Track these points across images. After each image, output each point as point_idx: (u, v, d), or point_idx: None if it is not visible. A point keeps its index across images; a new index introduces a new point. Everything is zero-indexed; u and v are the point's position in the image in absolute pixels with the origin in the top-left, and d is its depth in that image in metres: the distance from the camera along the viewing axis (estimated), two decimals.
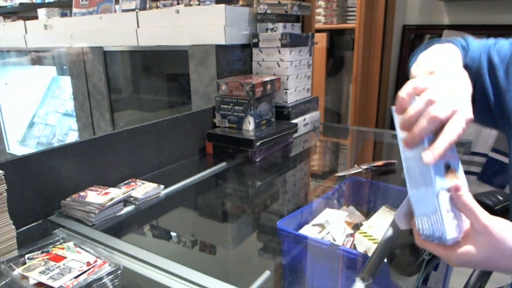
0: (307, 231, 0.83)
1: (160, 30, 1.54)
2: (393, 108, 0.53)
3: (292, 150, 1.43)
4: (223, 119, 1.34)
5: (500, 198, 0.77)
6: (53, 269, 0.65)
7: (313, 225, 0.84)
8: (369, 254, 0.65)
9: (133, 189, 0.96)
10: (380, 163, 1.17)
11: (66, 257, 0.69)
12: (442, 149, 0.47)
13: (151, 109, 1.89)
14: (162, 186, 1.00)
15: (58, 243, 0.75)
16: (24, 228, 0.83)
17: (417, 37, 2.37)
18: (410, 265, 0.60)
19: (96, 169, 0.99)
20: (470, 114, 0.50)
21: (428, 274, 0.65)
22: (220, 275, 0.66)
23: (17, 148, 2.61)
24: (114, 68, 1.86)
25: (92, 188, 0.93)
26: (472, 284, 0.84)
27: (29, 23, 2.13)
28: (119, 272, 0.67)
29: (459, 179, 0.50)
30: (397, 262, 0.62)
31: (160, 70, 1.80)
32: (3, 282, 0.64)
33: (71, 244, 0.73)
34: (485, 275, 0.85)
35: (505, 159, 1.97)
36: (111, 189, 0.92)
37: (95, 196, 0.88)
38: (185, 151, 1.27)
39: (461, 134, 0.48)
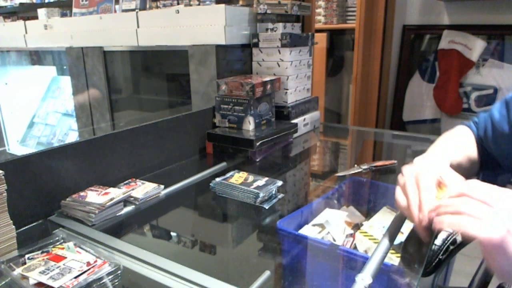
0: (307, 231, 0.83)
1: (160, 30, 1.54)
2: None
3: (292, 150, 1.43)
4: (223, 119, 1.34)
5: None
6: (53, 269, 0.65)
7: (313, 225, 0.84)
8: (369, 254, 0.65)
9: (133, 189, 0.96)
10: (380, 163, 1.17)
11: (66, 257, 0.69)
12: None
13: (151, 109, 1.89)
14: (162, 186, 1.00)
15: (58, 243, 0.74)
16: (24, 228, 0.83)
17: (417, 37, 2.37)
18: (426, 266, 0.60)
19: (96, 169, 0.99)
20: None
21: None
22: (220, 275, 0.66)
23: (17, 148, 2.60)
24: (114, 68, 1.86)
25: (92, 188, 0.93)
26: (477, 282, 0.84)
27: (29, 23, 2.13)
28: (119, 272, 0.67)
29: None
30: (412, 262, 0.62)
31: (160, 70, 1.80)
32: (3, 282, 0.64)
33: (71, 244, 0.73)
34: (489, 273, 0.85)
35: None
36: (111, 189, 0.92)
37: (95, 196, 0.88)
38: (185, 151, 1.27)
39: None
